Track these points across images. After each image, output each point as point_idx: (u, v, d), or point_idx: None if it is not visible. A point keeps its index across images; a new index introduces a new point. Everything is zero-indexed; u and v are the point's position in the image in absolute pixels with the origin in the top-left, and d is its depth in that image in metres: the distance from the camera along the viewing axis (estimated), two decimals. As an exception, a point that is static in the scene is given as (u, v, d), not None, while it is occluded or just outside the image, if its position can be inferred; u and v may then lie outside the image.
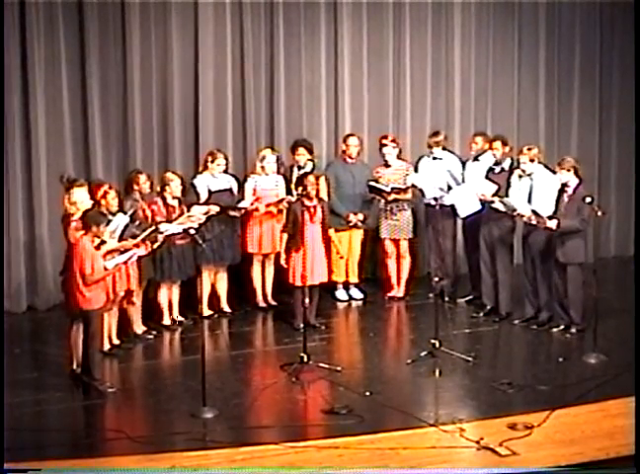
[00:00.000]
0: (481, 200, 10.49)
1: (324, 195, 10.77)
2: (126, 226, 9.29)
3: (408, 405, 8.29)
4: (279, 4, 11.77)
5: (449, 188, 10.77)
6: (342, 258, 11.07)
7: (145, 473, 7.09)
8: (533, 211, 9.80)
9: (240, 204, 10.75)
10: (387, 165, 11.28)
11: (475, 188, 10.58)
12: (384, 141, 11.32)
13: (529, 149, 10.18)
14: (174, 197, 10.26)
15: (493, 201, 10.30)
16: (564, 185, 9.81)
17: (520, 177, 10.23)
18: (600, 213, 9.61)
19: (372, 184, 11.13)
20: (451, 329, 10.03)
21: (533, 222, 9.89)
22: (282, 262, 10.29)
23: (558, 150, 12.47)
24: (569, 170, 9.78)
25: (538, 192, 10.05)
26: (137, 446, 7.53)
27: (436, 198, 10.08)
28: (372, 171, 11.35)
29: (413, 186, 11.00)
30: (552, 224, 9.72)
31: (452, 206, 10.88)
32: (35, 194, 11.02)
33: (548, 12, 12.96)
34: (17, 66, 10.81)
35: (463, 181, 10.92)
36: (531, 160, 10.11)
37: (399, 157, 11.37)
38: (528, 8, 12.85)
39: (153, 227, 9.75)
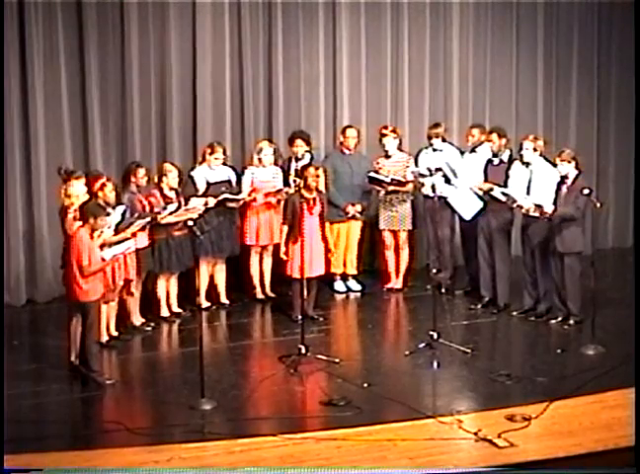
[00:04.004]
0: (481, 192, 10.50)
1: (322, 186, 10.78)
2: (122, 218, 9.31)
3: (406, 396, 8.29)
4: (277, -4, 11.80)
5: (447, 180, 10.77)
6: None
7: (143, 470, 7.10)
8: (537, 205, 9.80)
9: (238, 196, 10.75)
10: (387, 156, 11.27)
11: (469, 183, 10.59)
12: (384, 131, 11.31)
13: (536, 138, 10.18)
14: (171, 189, 10.26)
15: (492, 189, 10.31)
16: (563, 177, 9.81)
17: (520, 166, 10.22)
18: (598, 205, 9.61)
19: (372, 174, 11.13)
20: (450, 320, 10.01)
21: (533, 214, 9.89)
22: (282, 254, 10.30)
23: (556, 142, 12.44)
24: (569, 162, 9.79)
25: (537, 184, 10.05)
26: (136, 438, 7.55)
27: (434, 189, 10.07)
28: (372, 162, 11.35)
29: (421, 175, 10.92)
30: (548, 209, 9.73)
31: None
32: (34, 187, 11.02)
33: (546, 4, 12.94)
34: (16, 59, 10.79)
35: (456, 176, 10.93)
36: (534, 150, 10.10)
37: (399, 148, 11.37)
38: (527, 0, 12.85)
39: (149, 218, 9.75)
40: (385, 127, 11.42)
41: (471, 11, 12.62)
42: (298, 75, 12.02)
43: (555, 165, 9.92)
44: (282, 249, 10.26)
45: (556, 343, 9.72)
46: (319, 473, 6.99)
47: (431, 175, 10.32)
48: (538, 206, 9.78)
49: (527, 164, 10.13)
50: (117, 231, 9.21)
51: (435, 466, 7.04)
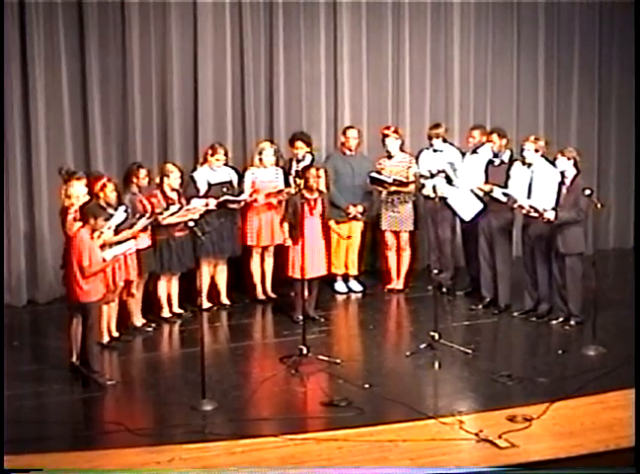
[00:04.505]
0: (481, 193, 10.50)
1: (323, 187, 10.77)
2: (125, 219, 9.32)
3: (407, 397, 8.29)
4: (278, -4, 11.81)
5: (449, 180, 10.78)
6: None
7: (144, 470, 7.10)
8: (532, 206, 9.81)
9: (239, 197, 10.75)
10: (390, 156, 11.27)
11: (469, 185, 10.59)
12: (386, 132, 11.30)
13: (537, 139, 10.17)
14: (172, 190, 10.26)
15: (492, 190, 10.31)
16: (562, 175, 9.81)
17: (521, 167, 10.22)
18: (599, 205, 9.61)
19: (374, 175, 11.13)
20: (451, 321, 10.01)
21: (534, 215, 9.89)
22: (287, 241, 10.24)
23: (557, 142, 12.43)
24: (569, 159, 9.80)
25: (538, 184, 10.05)
26: (137, 439, 7.54)
27: (435, 190, 10.07)
28: (375, 162, 11.35)
29: (422, 176, 10.94)
30: (550, 215, 9.73)
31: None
32: (35, 187, 11.02)
33: (547, 4, 12.95)
34: (17, 59, 10.79)
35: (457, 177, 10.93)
36: (536, 150, 10.10)
37: (401, 149, 11.36)
38: (528, 0, 12.84)
39: (151, 218, 9.75)
40: (388, 128, 11.42)
41: (472, 12, 12.63)
42: (299, 76, 12.03)
43: (555, 165, 9.92)
44: (288, 242, 10.24)
45: (557, 343, 9.72)
46: (320, 473, 7.00)
47: (432, 177, 10.33)
48: (536, 209, 9.78)
49: (529, 165, 10.12)
50: (117, 232, 9.21)
51: (436, 467, 7.04)
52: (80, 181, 9.24)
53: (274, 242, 10.93)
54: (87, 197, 9.13)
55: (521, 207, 10.00)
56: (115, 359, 9.47)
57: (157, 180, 10.30)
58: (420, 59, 12.49)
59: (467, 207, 10.69)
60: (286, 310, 10.63)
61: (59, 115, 11.09)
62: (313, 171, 10.30)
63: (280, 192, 10.83)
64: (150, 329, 10.21)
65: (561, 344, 9.67)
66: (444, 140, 11.27)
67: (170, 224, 10.11)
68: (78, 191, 9.15)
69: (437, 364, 9.04)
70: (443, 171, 10.63)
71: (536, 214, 9.85)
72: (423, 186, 11.02)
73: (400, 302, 11.37)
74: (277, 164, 11.06)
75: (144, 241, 9.84)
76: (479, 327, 10.32)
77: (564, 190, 9.81)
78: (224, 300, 11.00)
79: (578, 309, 10.02)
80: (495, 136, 10.58)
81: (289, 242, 10.19)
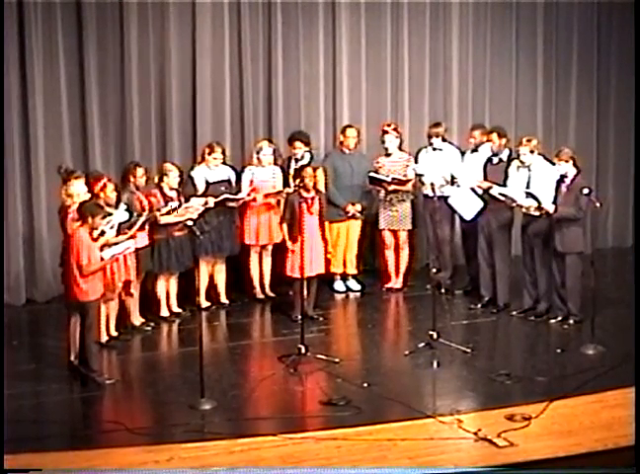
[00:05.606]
0: (480, 191, 10.50)
1: (321, 186, 10.78)
2: (129, 219, 9.33)
3: (406, 396, 8.29)
4: (276, -5, 11.80)
5: (452, 179, 10.79)
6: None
7: (143, 470, 7.10)
8: (533, 197, 9.79)
9: (237, 196, 10.75)
10: (387, 154, 11.26)
11: (469, 184, 10.59)
12: (386, 128, 11.28)
13: (529, 140, 10.17)
14: (171, 189, 10.26)
15: (491, 187, 10.30)
16: (562, 175, 9.82)
17: (519, 168, 10.23)
18: (597, 204, 9.62)
19: (372, 174, 11.13)
20: (449, 320, 10.04)
21: (533, 213, 9.89)
22: (289, 244, 10.22)
23: (556, 141, 12.46)
24: (567, 161, 9.80)
25: (537, 182, 10.05)
26: (135, 438, 7.54)
27: (433, 189, 10.08)
28: (372, 161, 11.35)
29: (418, 175, 10.96)
30: (550, 207, 9.72)
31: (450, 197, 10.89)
32: (33, 186, 11.02)
33: (546, 4, 12.95)
34: (15, 59, 10.79)
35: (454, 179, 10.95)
36: (531, 151, 10.11)
37: (400, 148, 11.36)
38: (527, 0, 12.84)
39: (148, 216, 9.74)
40: (389, 125, 11.39)
41: (471, 11, 12.62)
42: (298, 75, 12.02)
43: (554, 163, 9.93)
44: (289, 243, 10.24)
45: (556, 342, 9.72)
46: (319, 472, 6.99)
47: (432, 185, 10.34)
48: (538, 201, 9.77)
49: (528, 166, 10.12)
50: (119, 231, 9.21)
51: (435, 466, 7.04)
52: (79, 179, 9.24)
53: (272, 241, 10.93)
54: (87, 196, 9.13)
55: (521, 206, 10.00)
56: (113, 359, 9.47)
57: (156, 179, 10.31)
58: (419, 59, 12.49)
59: (468, 207, 10.68)
60: (285, 309, 10.63)
61: (57, 114, 11.09)
62: (309, 170, 10.32)
63: (278, 192, 10.82)
64: (149, 328, 10.20)
65: (560, 342, 9.67)
66: (444, 139, 11.27)
67: (169, 223, 10.11)
68: (78, 189, 9.15)
69: (435, 363, 9.05)
70: (447, 182, 10.70)
71: (536, 211, 9.84)
72: (423, 184, 11.03)
73: (399, 301, 11.37)
74: (275, 163, 11.06)
75: (143, 240, 9.83)
76: (478, 326, 10.32)
77: (564, 188, 9.81)
78: (223, 299, 11.00)
79: (577, 308, 10.02)
80: (495, 135, 10.58)
81: (290, 244, 10.19)
